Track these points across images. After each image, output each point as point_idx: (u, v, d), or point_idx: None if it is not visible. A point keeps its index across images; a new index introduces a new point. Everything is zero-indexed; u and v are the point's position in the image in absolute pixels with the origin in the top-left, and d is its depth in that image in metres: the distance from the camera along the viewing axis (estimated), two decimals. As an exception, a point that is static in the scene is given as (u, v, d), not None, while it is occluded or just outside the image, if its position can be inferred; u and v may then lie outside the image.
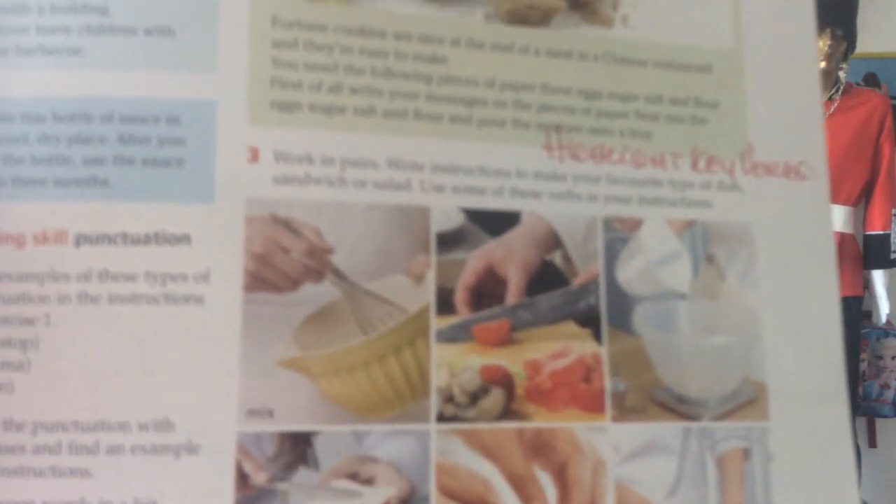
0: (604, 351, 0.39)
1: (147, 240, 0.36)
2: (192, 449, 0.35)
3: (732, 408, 0.40)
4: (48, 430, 0.34)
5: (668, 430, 0.39)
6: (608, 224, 0.40)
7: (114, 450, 0.34)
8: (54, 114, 0.36)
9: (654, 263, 0.40)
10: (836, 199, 1.87)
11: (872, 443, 2.22)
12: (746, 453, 0.40)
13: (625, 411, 0.39)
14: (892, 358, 2.01)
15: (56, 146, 0.36)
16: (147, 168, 0.36)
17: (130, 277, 0.35)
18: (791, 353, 0.41)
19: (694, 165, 0.42)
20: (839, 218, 1.88)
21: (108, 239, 0.36)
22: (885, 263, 1.95)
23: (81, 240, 0.35)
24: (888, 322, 2.00)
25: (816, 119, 0.44)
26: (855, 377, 1.95)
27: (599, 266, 0.40)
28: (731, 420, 0.40)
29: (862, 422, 2.17)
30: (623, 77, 0.42)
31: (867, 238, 1.96)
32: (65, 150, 0.36)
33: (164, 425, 0.35)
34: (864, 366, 2.01)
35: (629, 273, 0.40)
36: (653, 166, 0.41)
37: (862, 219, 1.97)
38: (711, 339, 0.41)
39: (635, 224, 0.41)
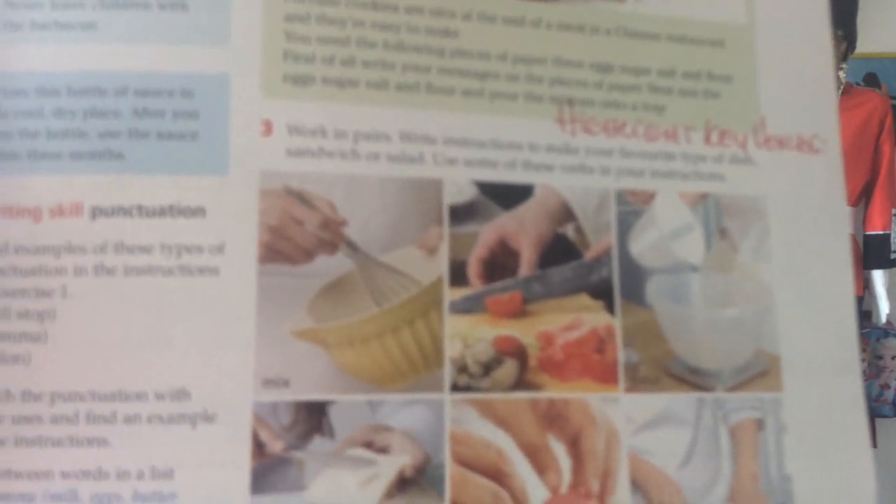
0: (616, 323, 0.39)
1: (162, 212, 0.36)
2: (208, 418, 0.35)
3: (745, 379, 0.41)
4: (65, 400, 0.35)
5: (681, 400, 0.40)
6: (621, 197, 0.41)
7: (131, 419, 0.35)
8: (69, 88, 0.37)
9: (666, 236, 0.41)
10: (835, 199, 1.87)
11: (872, 443, 2.22)
12: (760, 424, 0.40)
13: (638, 382, 0.39)
14: (892, 358, 2.02)
15: (71, 120, 0.37)
16: (161, 141, 0.37)
17: (146, 249, 0.36)
18: (804, 325, 0.41)
19: (707, 139, 0.42)
20: (839, 218, 1.88)
21: (124, 211, 0.36)
22: (885, 263, 1.96)
23: (97, 212, 0.36)
24: (888, 322, 2.01)
25: (829, 93, 0.44)
26: (855, 377, 1.95)
27: (612, 239, 0.40)
28: (744, 391, 0.40)
29: (862, 422, 2.17)
30: (635, 51, 0.42)
31: (867, 238, 1.96)
32: (80, 123, 0.37)
33: (181, 395, 0.35)
34: (864, 366, 2.01)
35: (642, 246, 0.40)
36: (665, 140, 0.42)
37: (862, 219, 1.98)
38: (724, 311, 0.41)
39: (648, 197, 0.41)
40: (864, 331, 1.99)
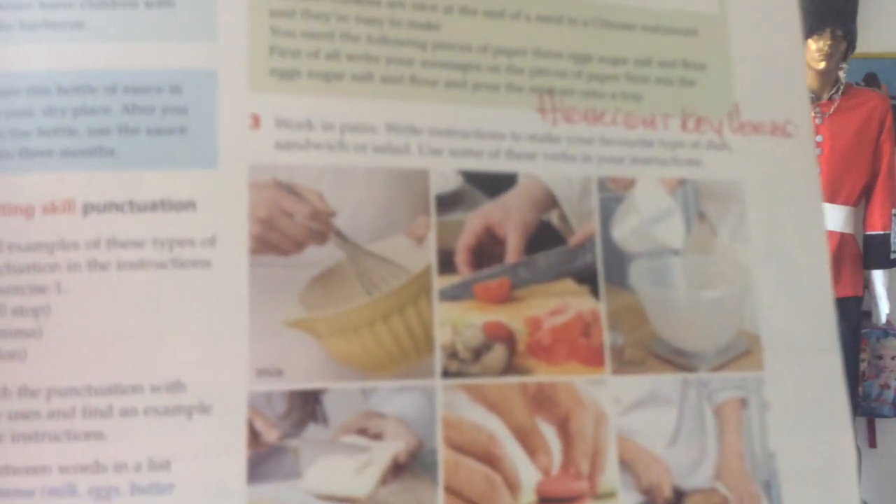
0: (601, 306, 0.42)
1: (153, 207, 0.39)
2: (204, 409, 0.37)
3: (728, 359, 0.43)
4: (62, 395, 0.37)
5: (666, 381, 0.42)
6: (602, 184, 0.44)
7: (127, 412, 0.37)
8: (59, 86, 0.39)
9: (647, 221, 0.44)
10: (836, 199, 1.93)
11: (872, 443, 2.27)
12: (743, 402, 0.43)
13: (624, 364, 0.42)
14: (892, 358, 2.07)
15: (62, 118, 0.39)
16: (151, 137, 0.39)
17: (138, 244, 0.38)
18: (783, 305, 0.44)
19: (683, 126, 0.45)
20: (839, 218, 1.94)
21: (116, 207, 0.38)
22: (885, 263, 2.01)
23: (89, 208, 0.38)
24: (888, 322, 2.06)
25: (800, 79, 0.48)
26: (855, 377, 2.00)
27: (595, 225, 0.43)
28: (727, 371, 0.43)
29: (862, 422, 2.22)
30: (612, 41, 0.45)
31: (867, 238, 2.02)
32: (70, 121, 0.39)
33: (176, 387, 0.37)
34: (864, 366, 2.06)
35: (624, 231, 0.43)
36: (644, 127, 0.45)
37: (862, 219, 2.03)
38: (705, 293, 0.44)
39: (628, 183, 0.44)
40: (864, 331, 2.04)
